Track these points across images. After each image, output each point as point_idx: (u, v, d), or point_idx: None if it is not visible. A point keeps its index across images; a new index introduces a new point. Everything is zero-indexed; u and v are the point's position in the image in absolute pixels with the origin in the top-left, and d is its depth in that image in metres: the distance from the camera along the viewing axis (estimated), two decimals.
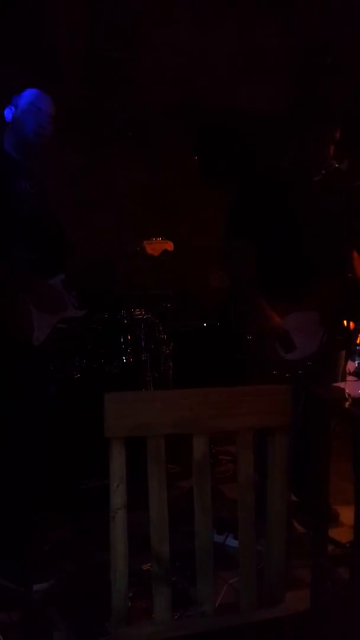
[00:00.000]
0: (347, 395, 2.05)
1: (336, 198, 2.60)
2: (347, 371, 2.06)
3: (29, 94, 2.80)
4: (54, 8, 4.56)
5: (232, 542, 2.78)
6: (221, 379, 4.23)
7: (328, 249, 2.72)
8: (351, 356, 2.07)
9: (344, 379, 2.15)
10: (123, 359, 3.63)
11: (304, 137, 2.87)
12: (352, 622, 1.92)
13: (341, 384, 2.17)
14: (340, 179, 2.64)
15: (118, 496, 1.52)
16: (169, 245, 3.25)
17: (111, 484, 1.51)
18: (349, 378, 2.05)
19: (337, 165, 2.73)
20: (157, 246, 3.21)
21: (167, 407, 1.57)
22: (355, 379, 2.03)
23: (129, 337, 3.67)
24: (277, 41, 5.08)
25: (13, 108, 2.79)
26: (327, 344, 2.75)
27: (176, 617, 2.02)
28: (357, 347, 2.05)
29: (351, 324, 2.58)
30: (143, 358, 3.69)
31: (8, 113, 2.79)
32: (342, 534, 2.82)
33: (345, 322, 2.59)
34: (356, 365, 2.04)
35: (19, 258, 2.64)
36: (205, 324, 4.74)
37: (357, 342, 2.06)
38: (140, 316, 3.74)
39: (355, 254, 2.88)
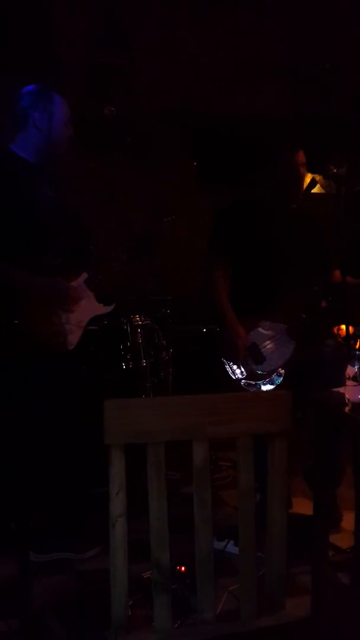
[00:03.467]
0: (346, 400, 2.05)
1: (308, 225, 2.89)
2: (347, 376, 2.06)
3: (60, 102, 2.80)
4: (53, 15, 4.57)
5: (233, 549, 2.76)
6: (221, 384, 4.22)
7: (296, 269, 2.92)
8: (350, 361, 2.07)
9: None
10: (122, 365, 3.62)
11: (273, 167, 3.04)
12: (353, 629, 1.91)
13: (341, 389, 2.16)
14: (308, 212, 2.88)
15: (118, 503, 1.51)
16: None
17: (111, 491, 1.51)
18: (349, 383, 2.05)
19: (335, 171, 2.75)
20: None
21: (167, 413, 1.57)
22: (355, 383, 2.03)
23: (128, 343, 3.67)
24: (275, 46, 5.10)
25: (46, 115, 2.75)
26: (299, 353, 2.89)
27: (176, 625, 2.00)
28: (357, 352, 2.04)
29: (350, 328, 2.59)
30: (142, 364, 3.68)
31: (41, 120, 2.75)
32: (342, 540, 2.81)
33: (343, 326, 2.66)
34: (355, 370, 2.04)
35: (46, 265, 2.68)
36: (204, 330, 4.73)
37: (357, 347, 2.05)
38: (139, 322, 3.74)
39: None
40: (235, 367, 2.97)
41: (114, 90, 4.69)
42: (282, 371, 2.89)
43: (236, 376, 2.95)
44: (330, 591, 2.22)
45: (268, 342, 2.91)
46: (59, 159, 2.85)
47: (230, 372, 2.97)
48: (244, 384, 2.93)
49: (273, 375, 2.91)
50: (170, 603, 1.55)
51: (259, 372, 2.92)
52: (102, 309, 2.91)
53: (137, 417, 1.54)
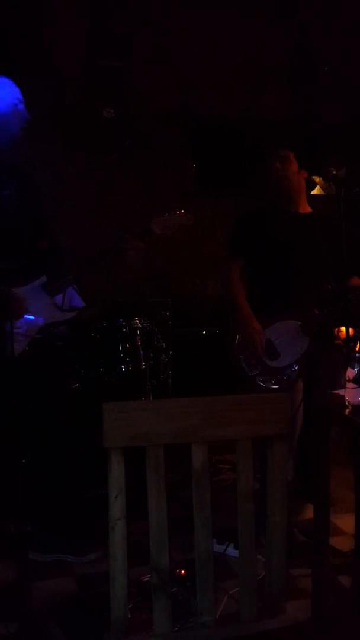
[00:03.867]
0: (346, 403, 2.04)
1: (325, 228, 2.93)
2: (347, 378, 2.06)
3: (5, 84, 2.65)
4: (52, 17, 4.57)
5: (233, 552, 2.76)
6: (220, 387, 4.21)
7: (307, 270, 3.03)
8: (350, 364, 2.06)
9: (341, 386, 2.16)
10: (122, 368, 3.61)
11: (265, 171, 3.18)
12: (353, 632, 1.90)
13: (341, 391, 2.16)
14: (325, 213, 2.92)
15: (117, 507, 1.50)
16: (187, 219, 2.78)
17: (110, 494, 1.50)
18: (349, 385, 2.05)
19: (334, 172, 2.76)
20: (169, 223, 2.77)
21: (166, 416, 1.56)
22: (355, 386, 2.03)
23: (127, 346, 3.66)
24: (275, 47, 5.10)
25: None
26: (312, 350, 2.99)
27: (176, 628, 2.00)
28: (357, 355, 2.04)
29: (350, 330, 2.60)
30: (142, 366, 3.67)
31: None
32: (342, 543, 2.81)
33: (343, 329, 2.72)
34: (355, 372, 2.03)
35: None
36: (204, 332, 4.73)
37: (357, 349, 2.05)
38: (138, 324, 3.73)
39: None
40: (250, 363, 3.05)
41: (113, 92, 4.69)
42: (296, 367, 2.97)
43: (251, 373, 3.03)
44: (330, 594, 2.22)
45: (283, 338, 2.99)
46: (16, 144, 2.67)
47: (245, 369, 3.05)
48: (260, 380, 3.00)
49: (287, 371, 2.99)
50: (170, 606, 1.54)
51: (274, 367, 3.00)
52: (60, 316, 2.73)
53: (136, 419, 1.53)
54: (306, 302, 3.00)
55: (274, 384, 2.98)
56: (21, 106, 2.70)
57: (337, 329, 3.16)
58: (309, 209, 3.20)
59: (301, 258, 3.04)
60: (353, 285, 2.96)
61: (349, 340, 2.52)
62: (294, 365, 2.98)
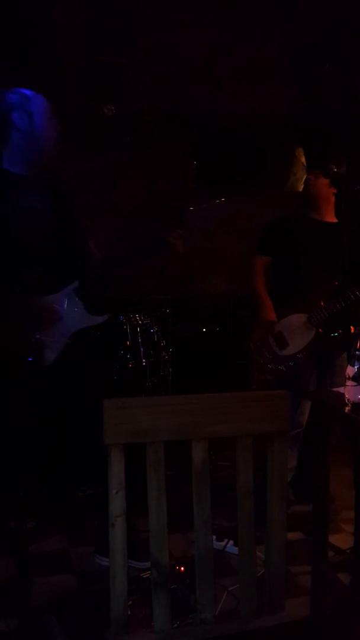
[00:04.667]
0: (346, 400, 2.04)
1: (339, 235, 3.03)
2: (347, 376, 2.06)
3: (39, 99, 2.63)
4: (53, 14, 4.56)
5: (232, 549, 2.76)
6: (220, 384, 4.22)
7: (324, 271, 3.27)
8: (350, 361, 2.06)
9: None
10: (122, 365, 3.62)
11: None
12: (352, 629, 1.91)
13: (341, 389, 2.16)
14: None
15: (117, 503, 1.51)
16: (224, 206, 2.77)
17: (110, 490, 1.50)
18: (349, 383, 2.05)
19: (335, 170, 2.77)
20: (207, 213, 2.80)
21: (166, 413, 1.56)
22: (355, 384, 2.03)
23: (128, 343, 3.66)
24: (275, 46, 5.10)
25: (24, 114, 2.58)
26: (318, 340, 3.30)
27: (176, 625, 2.00)
28: (357, 352, 2.04)
29: (351, 328, 2.60)
30: (142, 364, 3.68)
31: (21, 119, 2.58)
32: (342, 541, 2.81)
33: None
34: (355, 370, 2.03)
35: (21, 278, 2.51)
36: (204, 329, 4.74)
37: (357, 347, 2.05)
38: (139, 321, 3.73)
39: None
40: (261, 352, 3.44)
41: (114, 90, 4.68)
42: (300, 354, 3.33)
43: (262, 360, 3.43)
44: (329, 592, 2.22)
45: (292, 330, 3.35)
46: (50, 158, 2.68)
47: (257, 357, 3.45)
48: (270, 367, 3.40)
49: (294, 358, 3.35)
50: (170, 603, 1.54)
51: (283, 355, 3.37)
52: (93, 320, 2.71)
53: (137, 416, 1.53)
54: (317, 298, 3.27)
55: (282, 370, 3.36)
56: (54, 120, 2.69)
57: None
58: (334, 220, 3.45)
59: (319, 261, 3.30)
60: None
61: (349, 338, 2.51)
62: (299, 353, 3.33)
